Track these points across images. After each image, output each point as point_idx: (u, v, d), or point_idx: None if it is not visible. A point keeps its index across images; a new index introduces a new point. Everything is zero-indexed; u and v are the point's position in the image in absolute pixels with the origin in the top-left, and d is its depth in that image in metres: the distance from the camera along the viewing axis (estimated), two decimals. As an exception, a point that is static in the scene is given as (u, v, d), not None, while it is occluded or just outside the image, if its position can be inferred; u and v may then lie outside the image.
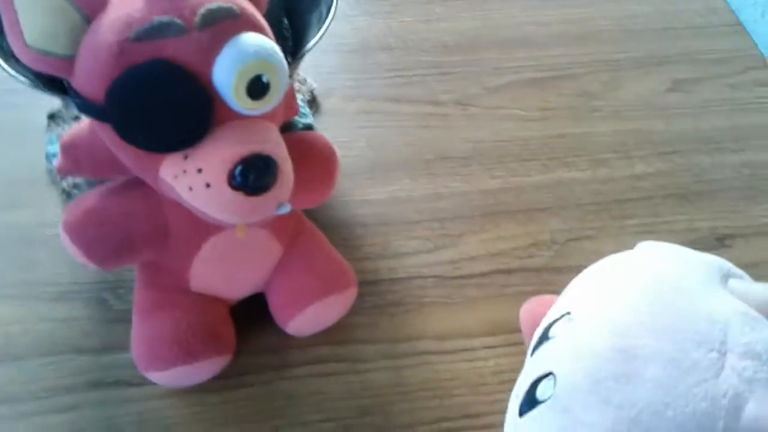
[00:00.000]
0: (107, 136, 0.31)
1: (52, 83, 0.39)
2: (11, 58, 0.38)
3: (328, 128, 0.53)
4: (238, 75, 0.28)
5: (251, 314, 0.41)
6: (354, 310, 0.42)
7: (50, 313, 0.42)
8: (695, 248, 0.31)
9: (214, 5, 0.28)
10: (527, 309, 0.38)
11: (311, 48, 0.42)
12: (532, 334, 0.36)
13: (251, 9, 0.30)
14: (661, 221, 0.49)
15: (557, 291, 0.34)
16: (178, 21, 0.28)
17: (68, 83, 0.30)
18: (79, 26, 0.28)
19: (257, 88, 0.29)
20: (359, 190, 0.50)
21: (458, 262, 0.46)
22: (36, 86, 0.39)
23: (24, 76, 0.39)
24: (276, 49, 0.30)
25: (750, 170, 0.53)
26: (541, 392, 0.28)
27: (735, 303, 0.26)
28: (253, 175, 0.29)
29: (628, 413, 0.24)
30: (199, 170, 0.29)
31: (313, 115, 0.54)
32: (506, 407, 0.32)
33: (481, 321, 0.43)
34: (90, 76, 0.29)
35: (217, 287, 0.39)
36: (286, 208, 0.32)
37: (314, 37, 0.43)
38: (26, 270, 0.44)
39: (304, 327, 0.41)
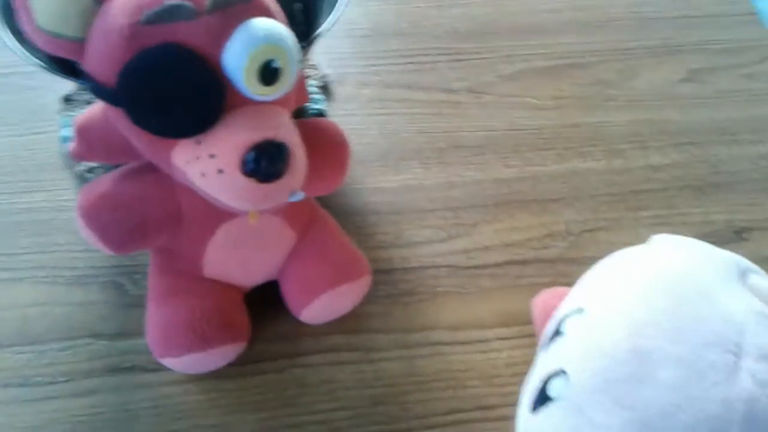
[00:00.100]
0: (120, 120, 0.30)
1: (66, 66, 0.39)
2: (25, 41, 0.38)
3: (341, 115, 0.53)
4: (248, 59, 0.28)
5: (265, 302, 0.41)
6: (367, 299, 0.42)
7: (67, 297, 0.42)
8: (711, 241, 0.31)
9: (224, -12, 0.28)
10: (540, 301, 0.38)
11: (324, 33, 0.42)
12: (544, 326, 0.35)
13: (263, -7, 0.30)
14: (676, 213, 0.49)
15: (571, 282, 0.34)
16: (189, 4, 0.28)
17: (80, 66, 0.30)
18: (90, 8, 0.28)
19: (268, 73, 0.29)
20: (372, 178, 0.49)
21: (472, 252, 0.46)
22: (49, 69, 0.39)
23: (37, 58, 0.39)
24: (287, 33, 0.30)
25: (767, 162, 0.52)
26: (552, 389, 0.27)
27: (752, 302, 0.26)
28: (265, 162, 0.29)
29: (640, 415, 0.24)
30: (212, 156, 0.29)
31: (326, 101, 0.53)
32: (519, 399, 0.32)
33: (495, 312, 0.43)
34: (101, 59, 0.29)
35: (230, 274, 0.39)
36: (299, 195, 0.32)
37: (327, 22, 0.42)
38: (43, 254, 0.44)
39: (318, 315, 0.41)
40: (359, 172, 0.49)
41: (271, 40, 0.29)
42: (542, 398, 0.28)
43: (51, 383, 0.39)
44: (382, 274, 0.44)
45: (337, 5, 0.43)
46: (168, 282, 0.38)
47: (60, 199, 0.46)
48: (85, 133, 0.34)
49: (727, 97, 0.56)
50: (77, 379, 0.39)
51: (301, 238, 0.40)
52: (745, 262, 0.29)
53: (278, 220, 0.38)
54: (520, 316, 0.42)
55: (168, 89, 0.28)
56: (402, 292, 0.44)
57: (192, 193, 0.32)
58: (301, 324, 0.41)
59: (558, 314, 0.31)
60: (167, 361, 0.37)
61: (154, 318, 0.38)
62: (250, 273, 0.40)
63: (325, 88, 0.54)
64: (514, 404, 0.39)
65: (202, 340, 0.37)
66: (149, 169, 0.34)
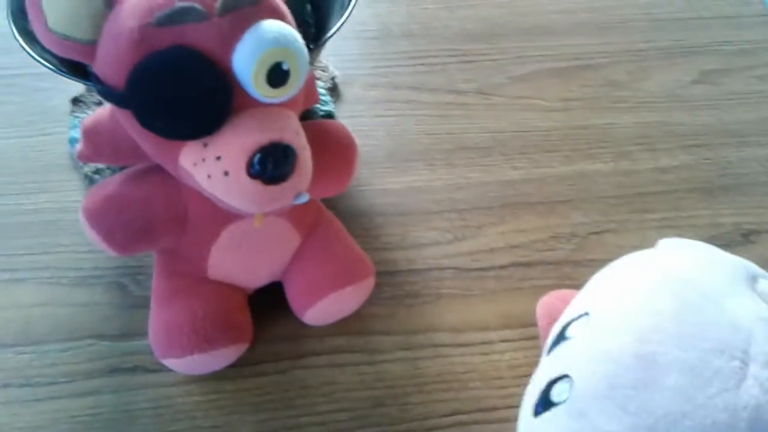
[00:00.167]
0: (128, 122, 0.31)
1: (76, 68, 0.39)
2: (35, 43, 0.39)
3: (348, 116, 0.53)
4: (258, 62, 0.28)
5: (268, 303, 0.41)
6: (371, 301, 0.42)
7: (71, 298, 0.42)
8: (718, 244, 0.31)
9: (234, -9, 0.28)
10: (544, 303, 0.38)
11: (333, 34, 0.42)
12: (548, 329, 0.35)
13: (272, -5, 0.30)
14: (684, 216, 0.48)
15: (577, 285, 0.34)
16: (199, 7, 0.28)
17: (90, 68, 0.30)
18: (101, 11, 0.28)
19: (277, 75, 0.29)
20: (378, 180, 0.49)
21: (477, 254, 0.46)
22: (59, 71, 0.39)
23: (47, 60, 0.39)
24: (296, 36, 0.30)
25: (777, 165, 0.52)
26: (556, 394, 0.27)
27: (760, 309, 0.26)
28: (271, 164, 0.29)
29: (645, 421, 0.24)
30: (218, 158, 0.29)
31: (334, 102, 0.53)
32: (521, 402, 0.31)
33: (499, 314, 0.43)
34: (111, 62, 0.29)
35: (234, 275, 0.39)
36: (305, 198, 0.32)
37: (336, 23, 0.42)
38: (48, 254, 0.44)
39: (321, 317, 0.41)
40: (366, 173, 0.49)
41: (281, 43, 0.29)
42: (546, 402, 0.28)
43: (52, 383, 0.39)
44: (387, 275, 0.44)
45: (347, 7, 0.43)
46: (172, 283, 0.38)
47: (66, 200, 0.46)
48: (92, 134, 0.34)
49: (738, 99, 0.56)
50: (79, 379, 0.39)
51: (305, 239, 0.40)
52: (754, 268, 0.29)
53: (283, 222, 0.38)
54: (523, 319, 0.42)
55: (176, 91, 0.28)
56: (406, 293, 0.44)
57: (198, 195, 0.32)
58: (303, 325, 0.41)
59: (563, 318, 0.31)
60: (169, 362, 0.37)
61: (157, 319, 0.38)
62: (253, 275, 0.40)
63: (333, 90, 0.54)
64: (515, 407, 0.38)
65: (205, 342, 0.37)
66: (155, 170, 0.34)
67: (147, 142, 0.31)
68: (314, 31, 0.47)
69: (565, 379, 0.27)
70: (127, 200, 0.34)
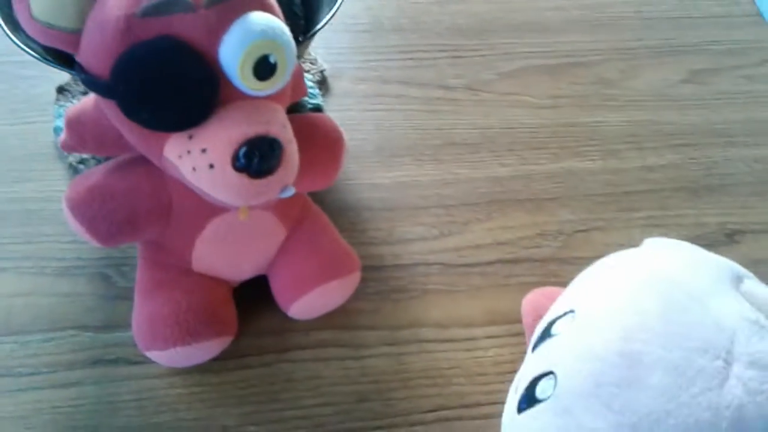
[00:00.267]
0: (112, 113, 0.30)
1: (61, 57, 0.39)
2: (20, 31, 0.38)
3: (337, 110, 0.52)
4: (244, 54, 0.28)
5: (253, 296, 0.41)
6: (357, 296, 0.42)
7: (53, 288, 0.42)
8: (703, 243, 0.31)
9: (222, -17, 0.28)
10: (529, 300, 0.38)
11: (322, 27, 0.42)
12: (532, 326, 0.35)
13: (260, -13, 0.30)
14: (670, 215, 0.49)
15: (563, 282, 0.34)
16: (186, -3, 0.27)
17: (75, 57, 0.30)
18: (86, 0, 0.28)
19: (264, 68, 0.29)
20: (366, 174, 0.49)
21: (463, 250, 0.46)
22: (44, 59, 0.39)
23: (32, 48, 0.39)
24: (284, 29, 0.30)
25: (762, 165, 0.52)
26: (541, 391, 0.27)
27: (744, 309, 0.26)
28: (257, 158, 0.29)
29: (628, 419, 0.24)
30: (203, 150, 0.29)
31: (323, 96, 0.53)
32: (504, 398, 0.32)
33: (484, 310, 0.43)
34: (96, 51, 0.28)
35: (219, 268, 0.39)
36: (291, 192, 0.31)
37: (326, 16, 0.42)
38: (30, 244, 0.44)
39: (306, 311, 0.40)
40: (354, 167, 0.49)
41: (268, 36, 0.28)
42: (530, 399, 0.28)
43: (34, 374, 0.39)
44: (373, 270, 0.44)
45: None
46: (156, 275, 0.38)
47: (49, 189, 0.46)
48: (75, 124, 0.34)
49: (726, 99, 0.56)
50: (61, 370, 0.39)
51: (291, 233, 0.40)
52: (738, 268, 0.29)
53: (269, 216, 0.38)
54: (508, 315, 0.42)
55: (161, 82, 0.28)
56: (392, 288, 0.44)
57: (183, 187, 0.32)
58: (288, 319, 0.41)
59: (548, 316, 0.31)
60: (153, 354, 0.37)
61: (140, 310, 0.38)
62: (239, 268, 0.40)
63: (322, 83, 0.54)
64: (498, 403, 0.39)
65: (188, 334, 0.36)
66: (140, 161, 0.34)
67: (131, 133, 0.31)
68: (303, 24, 0.47)
69: (550, 376, 0.27)
70: (111, 191, 0.34)
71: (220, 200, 0.31)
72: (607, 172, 0.51)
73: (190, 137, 0.29)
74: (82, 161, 0.46)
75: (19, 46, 0.39)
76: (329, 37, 0.55)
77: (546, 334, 0.30)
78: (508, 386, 0.32)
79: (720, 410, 0.23)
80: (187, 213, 0.35)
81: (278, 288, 0.40)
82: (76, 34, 0.29)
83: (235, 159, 0.29)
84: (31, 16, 0.28)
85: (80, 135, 0.34)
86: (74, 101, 0.50)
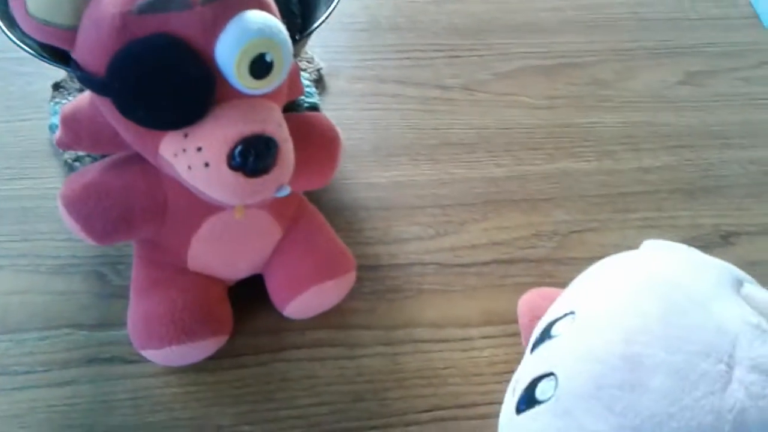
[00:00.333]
0: (108, 110, 0.30)
1: (57, 54, 0.38)
2: (16, 27, 0.38)
3: (333, 109, 0.52)
4: (241, 53, 0.28)
5: (249, 296, 0.41)
6: (352, 295, 0.42)
7: (49, 286, 0.42)
8: (698, 245, 0.31)
9: (218, -19, 0.28)
10: (525, 300, 0.38)
11: (319, 26, 0.42)
12: (529, 326, 0.35)
13: (257, -15, 0.29)
14: (665, 216, 0.49)
15: (558, 283, 0.34)
16: (183, -6, 0.27)
17: (71, 55, 0.30)
18: (82, -3, 0.28)
19: (260, 67, 0.29)
20: (362, 173, 0.49)
21: (459, 250, 0.46)
22: (40, 56, 0.39)
23: (28, 45, 0.39)
24: (281, 27, 0.30)
25: (758, 167, 0.52)
26: (541, 392, 0.27)
27: (746, 313, 0.26)
28: (252, 156, 0.29)
29: (630, 422, 0.24)
30: (199, 149, 0.29)
31: (319, 94, 0.53)
32: (500, 398, 0.32)
33: (479, 310, 0.43)
34: (91, 48, 0.28)
35: (214, 267, 0.39)
36: (286, 191, 0.31)
37: (323, 14, 0.42)
38: (25, 242, 0.44)
39: (302, 310, 0.40)
40: (350, 167, 0.49)
41: (264, 34, 0.28)
42: (529, 400, 0.28)
43: (29, 372, 0.39)
44: (369, 270, 0.44)
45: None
46: (151, 274, 0.38)
47: (45, 187, 0.46)
48: (71, 122, 0.34)
49: (722, 101, 0.56)
50: (56, 369, 0.39)
51: (287, 232, 0.40)
52: (738, 272, 0.29)
53: (264, 215, 0.37)
54: (504, 315, 0.42)
55: (157, 80, 0.28)
56: (387, 288, 0.44)
57: (178, 185, 0.32)
58: (284, 318, 0.41)
59: (547, 316, 0.31)
60: (148, 353, 0.37)
61: (136, 309, 0.38)
62: (234, 267, 0.40)
63: (318, 82, 0.54)
64: (493, 403, 0.39)
65: (184, 333, 0.36)
66: (136, 159, 0.34)
67: (127, 130, 0.31)
68: (300, 22, 0.47)
69: (550, 377, 0.27)
70: (106, 188, 0.34)
71: (216, 199, 0.31)
72: (602, 173, 0.51)
73: (186, 135, 0.29)
74: (77, 159, 0.46)
75: (15, 43, 0.38)
76: (326, 36, 0.55)
77: (546, 335, 0.30)
78: (504, 386, 0.32)
79: (722, 414, 0.23)
80: (182, 211, 0.35)
81: (274, 287, 0.40)
82: (71, 31, 0.29)
83: (231, 158, 0.29)
84: (27, 13, 0.28)
85: (76, 132, 0.34)
86: (70, 98, 0.49)
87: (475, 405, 0.39)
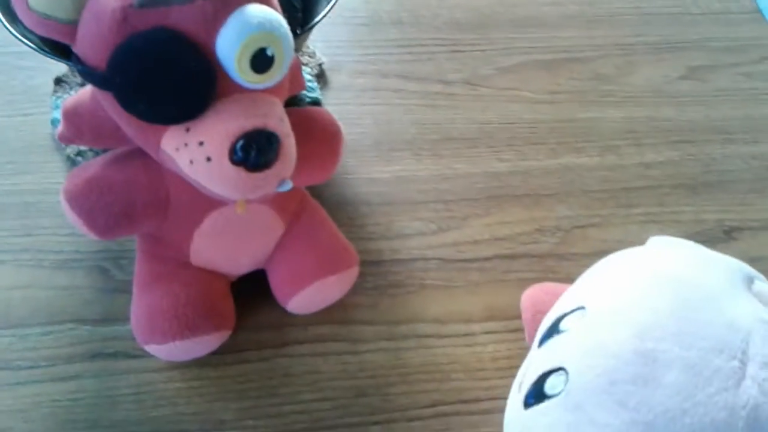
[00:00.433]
0: (109, 104, 0.30)
1: (58, 48, 0.38)
2: (18, 22, 0.38)
3: (335, 104, 0.52)
4: (242, 47, 0.28)
5: (252, 291, 0.41)
6: (355, 290, 0.42)
7: (51, 281, 0.42)
8: (701, 240, 0.31)
9: (220, -26, 0.28)
10: (528, 295, 0.38)
11: (320, 20, 0.42)
12: (532, 321, 0.35)
13: (259, -20, 0.29)
14: (668, 211, 0.49)
15: (560, 278, 0.34)
16: (184, -12, 0.27)
17: (72, 49, 0.30)
18: (83, -9, 0.28)
19: (261, 61, 0.29)
20: (364, 168, 0.49)
21: (461, 245, 0.46)
22: (41, 50, 0.39)
23: (29, 39, 0.39)
24: (282, 21, 0.29)
25: (761, 162, 0.52)
26: (550, 386, 0.27)
27: (758, 310, 0.26)
28: (254, 151, 0.29)
29: (644, 417, 0.24)
30: (201, 143, 0.29)
31: (321, 89, 0.53)
32: (502, 393, 0.32)
33: (482, 306, 0.43)
34: (92, 43, 0.28)
35: (217, 262, 0.39)
36: (288, 186, 0.31)
37: (324, 9, 0.42)
38: (28, 237, 0.44)
39: (305, 305, 0.40)
40: (352, 162, 0.49)
41: (265, 28, 0.28)
42: (538, 394, 0.28)
43: (33, 367, 0.39)
44: (371, 265, 0.44)
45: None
46: (154, 268, 0.38)
47: (47, 181, 0.46)
48: (72, 116, 0.34)
49: (724, 96, 0.56)
50: (59, 363, 0.39)
51: (289, 227, 0.39)
52: (749, 269, 0.29)
53: (266, 210, 0.37)
54: (507, 311, 0.42)
55: (158, 74, 0.28)
56: (390, 283, 0.44)
57: (180, 180, 0.32)
58: (286, 314, 0.41)
59: (555, 311, 0.31)
60: (151, 348, 0.37)
61: (138, 304, 0.38)
62: (236, 262, 0.40)
63: (320, 76, 0.54)
64: (496, 398, 0.39)
65: (187, 328, 0.36)
66: (138, 154, 0.34)
67: (129, 125, 0.31)
68: (301, 16, 0.46)
69: (560, 372, 0.27)
70: (108, 183, 0.34)
71: (218, 193, 0.31)
72: (604, 168, 0.51)
73: (188, 130, 0.29)
74: (79, 153, 0.46)
75: (16, 37, 0.38)
76: (328, 31, 0.55)
77: (554, 329, 0.30)
78: (507, 381, 0.32)
79: (736, 410, 0.24)
80: (184, 206, 0.35)
81: (276, 283, 0.40)
82: (72, 25, 0.29)
83: (233, 152, 0.29)
84: (28, 7, 0.28)
85: (77, 126, 0.34)
86: (72, 93, 0.49)
87: (478, 400, 0.39)
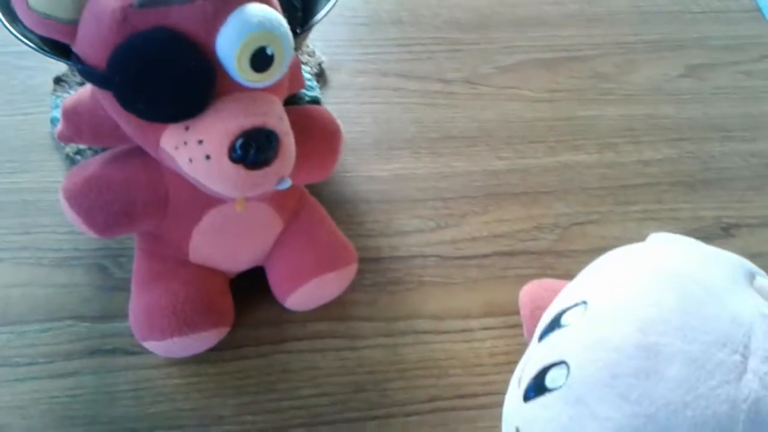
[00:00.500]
0: (109, 104, 0.30)
1: (58, 47, 0.39)
2: (17, 22, 0.38)
3: (335, 102, 0.52)
4: (241, 46, 0.28)
5: (250, 288, 0.41)
6: (353, 287, 0.42)
7: (50, 278, 0.42)
8: (699, 237, 0.31)
9: (219, -27, 0.28)
10: (527, 291, 0.38)
11: (321, 19, 0.42)
12: (530, 317, 0.35)
13: (258, -21, 0.30)
14: (666, 208, 0.49)
15: (559, 275, 0.34)
16: (183, -12, 0.27)
17: (71, 48, 0.30)
18: (83, -10, 0.28)
19: (261, 60, 0.29)
20: (363, 167, 0.49)
21: (460, 243, 0.46)
22: (41, 50, 0.39)
23: (29, 39, 0.39)
24: (281, 20, 0.30)
25: (759, 160, 0.52)
26: (551, 380, 0.27)
27: (760, 305, 0.26)
28: (253, 149, 0.29)
29: (645, 410, 0.24)
30: (200, 142, 0.29)
31: (321, 88, 0.53)
32: (500, 389, 0.32)
33: (480, 302, 0.43)
34: (92, 42, 0.28)
35: (216, 259, 0.39)
36: (287, 183, 0.31)
37: (324, 8, 0.42)
38: (27, 235, 0.44)
39: (303, 302, 0.41)
40: (351, 160, 0.49)
41: (265, 27, 0.28)
42: (538, 388, 0.28)
43: (31, 364, 0.39)
44: (370, 262, 0.44)
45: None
46: (153, 266, 0.38)
47: (46, 180, 0.46)
48: (72, 115, 0.34)
49: (723, 94, 0.56)
50: (58, 360, 0.39)
51: (288, 225, 0.40)
52: (750, 265, 0.29)
53: (265, 207, 0.38)
54: (505, 307, 0.42)
55: (158, 73, 0.28)
56: (388, 280, 0.44)
57: (179, 178, 0.32)
58: (285, 310, 0.41)
59: (556, 306, 0.31)
60: (150, 345, 0.37)
61: (137, 301, 0.38)
62: (235, 259, 0.40)
63: (320, 75, 0.54)
64: (494, 393, 0.39)
65: (185, 325, 0.36)
66: (137, 152, 0.34)
67: (128, 124, 0.31)
68: (301, 15, 0.47)
69: (561, 366, 0.27)
70: (108, 181, 0.34)
71: (217, 191, 0.31)
72: (603, 165, 0.51)
73: (187, 128, 0.29)
74: (78, 152, 0.46)
75: (16, 37, 0.39)
76: (327, 30, 0.55)
77: (555, 324, 0.30)
78: (505, 377, 0.32)
79: (737, 403, 0.24)
80: (183, 204, 0.35)
81: (275, 279, 0.40)
82: (72, 24, 0.29)
83: (232, 150, 0.29)
84: (29, 7, 0.28)
85: (77, 125, 0.34)
86: (71, 92, 0.49)
87: (475, 395, 0.39)
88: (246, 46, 0.28)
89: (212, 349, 0.39)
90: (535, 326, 0.33)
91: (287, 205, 0.39)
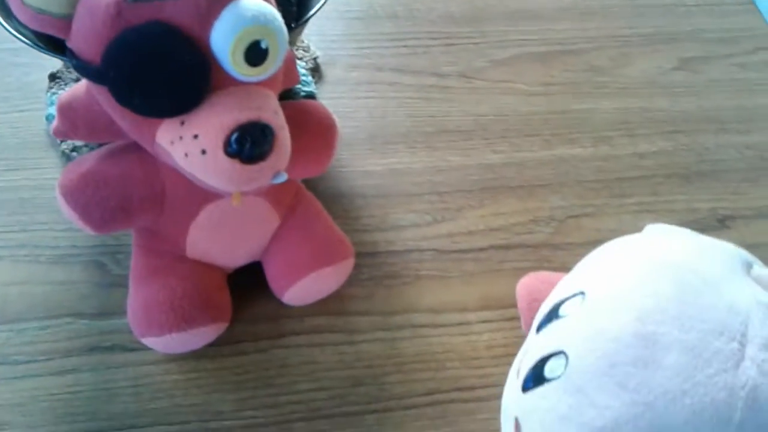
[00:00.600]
0: (104, 99, 0.30)
1: (53, 43, 0.38)
2: (12, 18, 0.38)
3: (330, 97, 0.52)
4: (236, 40, 0.28)
5: (248, 283, 0.41)
6: (350, 282, 0.42)
7: (48, 276, 0.42)
8: (695, 228, 0.31)
9: (213, -33, 0.28)
10: (524, 284, 0.39)
11: (315, 14, 0.42)
12: (527, 309, 0.36)
13: (252, -27, 0.30)
14: (661, 200, 0.49)
15: (555, 267, 0.34)
16: (178, -18, 0.27)
17: (66, 43, 0.30)
18: (76, -15, 0.28)
19: (255, 54, 0.29)
20: (359, 161, 0.49)
21: (456, 236, 0.46)
22: (35, 46, 0.39)
23: (24, 35, 0.39)
24: (276, 14, 0.30)
25: (754, 152, 0.52)
26: (549, 370, 0.28)
27: (757, 293, 0.26)
28: (249, 143, 0.29)
29: (644, 398, 0.25)
30: (195, 136, 0.29)
31: (316, 83, 0.53)
32: (498, 381, 0.32)
33: (477, 295, 0.43)
34: (87, 37, 0.28)
35: (213, 255, 0.39)
36: (283, 178, 0.31)
37: (319, 2, 0.42)
38: (24, 232, 0.44)
39: (301, 297, 0.41)
40: (347, 155, 0.49)
41: (259, 21, 0.28)
42: (537, 378, 0.28)
43: (31, 362, 0.39)
44: (367, 256, 0.44)
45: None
46: (150, 262, 0.38)
47: (43, 177, 0.46)
48: (67, 111, 0.34)
49: (718, 87, 0.56)
50: (57, 357, 0.39)
51: (285, 220, 0.40)
52: (747, 254, 0.29)
53: (262, 202, 0.38)
54: (502, 300, 0.43)
55: (152, 68, 0.28)
56: (385, 274, 0.44)
57: (176, 173, 0.32)
58: (283, 305, 0.41)
59: (554, 297, 0.31)
60: (148, 341, 0.37)
61: (135, 297, 0.38)
62: (232, 254, 0.40)
63: (315, 70, 0.54)
64: (492, 386, 0.39)
65: (184, 320, 0.37)
66: (133, 148, 0.34)
67: (123, 119, 0.31)
68: (295, 10, 0.47)
69: (560, 356, 0.28)
70: (104, 177, 0.34)
71: (213, 186, 0.31)
72: (598, 158, 0.51)
73: (182, 123, 0.29)
74: (74, 149, 0.46)
75: (11, 33, 0.38)
76: (322, 24, 0.55)
77: (553, 314, 0.30)
78: (503, 369, 0.32)
79: (735, 390, 0.24)
80: (180, 199, 0.35)
81: (272, 274, 0.40)
82: (67, 19, 0.29)
83: (227, 144, 0.29)
84: (23, 3, 0.28)
85: (72, 121, 0.34)
86: (66, 89, 0.49)
87: (473, 388, 0.40)
88: (240, 40, 0.28)
89: (211, 345, 0.39)
90: (532, 318, 0.33)
91: (284, 200, 0.39)
